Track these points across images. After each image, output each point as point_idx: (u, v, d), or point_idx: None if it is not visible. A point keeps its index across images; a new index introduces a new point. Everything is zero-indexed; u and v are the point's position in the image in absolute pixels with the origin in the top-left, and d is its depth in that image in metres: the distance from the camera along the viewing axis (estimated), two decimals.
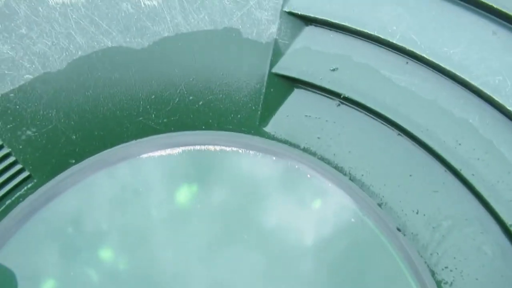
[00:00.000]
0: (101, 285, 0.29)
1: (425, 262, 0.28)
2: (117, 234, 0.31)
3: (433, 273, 0.27)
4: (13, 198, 0.31)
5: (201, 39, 0.33)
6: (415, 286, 0.27)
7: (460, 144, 0.28)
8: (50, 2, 0.32)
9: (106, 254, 0.30)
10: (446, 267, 0.27)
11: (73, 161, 0.33)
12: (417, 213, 0.29)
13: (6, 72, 0.31)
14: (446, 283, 0.27)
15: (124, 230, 0.31)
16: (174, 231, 0.31)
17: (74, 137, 0.33)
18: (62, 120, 0.32)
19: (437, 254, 0.27)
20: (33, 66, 0.31)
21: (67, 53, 0.32)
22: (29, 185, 0.31)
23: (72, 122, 0.32)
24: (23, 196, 0.31)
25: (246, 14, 0.33)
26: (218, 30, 0.33)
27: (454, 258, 0.27)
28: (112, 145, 0.33)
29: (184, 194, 0.33)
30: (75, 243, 0.30)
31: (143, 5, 0.33)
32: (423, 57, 0.30)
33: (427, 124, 0.30)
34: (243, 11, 0.33)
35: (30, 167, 0.31)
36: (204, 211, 0.32)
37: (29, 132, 0.31)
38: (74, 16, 0.32)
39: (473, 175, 0.27)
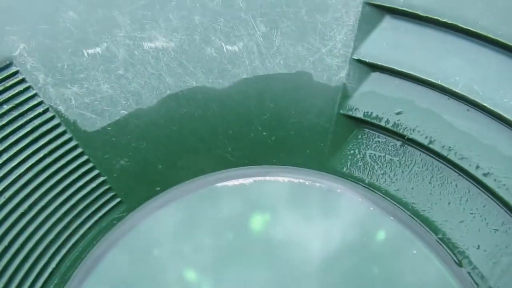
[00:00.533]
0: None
1: None
2: (197, 256, 0.34)
3: None
4: (108, 221, 0.34)
5: (276, 82, 0.36)
6: None
7: None
8: (145, 46, 0.35)
9: (190, 275, 0.33)
10: None
11: (159, 188, 0.36)
12: (478, 248, 0.31)
13: (105, 108, 0.35)
14: None
15: (202, 252, 0.34)
16: (248, 256, 0.34)
17: (160, 167, 0.36)
18: (151, 152, 0.36)
19: (498, 287, 0.30)
20: (128, 103, 0.35)
21: (157, 91, 0.36)
22: (122, 209, 0.35)
23: (159, 154, 0.36)
24: (117, 219, 0.35)
25: (318, 60, 0.36)
26: (292, 73, 0.36)
27: None
28: (194, 175, 0.36)
29: (256, 222, 0.36)
30: (160, 265, 0.33)
31: (225, 50, 0.36)
32: (485, 106, 0.33)
33: (488, 166, 0.32)
34: (315, 57, 0.36)
35: (122, 193, 0.35)
36: (275, 238, 0.35)
37: (122, 162, 0.35)
38: (164, 59, 0.36)
39: None
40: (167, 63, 0.36)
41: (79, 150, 0.34)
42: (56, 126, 0.33)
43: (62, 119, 0.33)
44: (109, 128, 0.35)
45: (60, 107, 0.33)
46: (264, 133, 0.37)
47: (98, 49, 0.34)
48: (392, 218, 0.35)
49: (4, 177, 0.32)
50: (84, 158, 0.34)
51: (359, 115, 0.36)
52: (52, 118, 0.33)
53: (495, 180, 0.32)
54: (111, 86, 0.35)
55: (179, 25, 0.36)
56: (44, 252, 0.32)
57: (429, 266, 0.33)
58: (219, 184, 0.37)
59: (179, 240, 0.34)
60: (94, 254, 0.33)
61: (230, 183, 0.37)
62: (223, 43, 0.36)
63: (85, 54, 0.34)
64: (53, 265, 0.33)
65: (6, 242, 0.32)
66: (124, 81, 0.35)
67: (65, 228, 0.33)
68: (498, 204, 0.32)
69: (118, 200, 0.35)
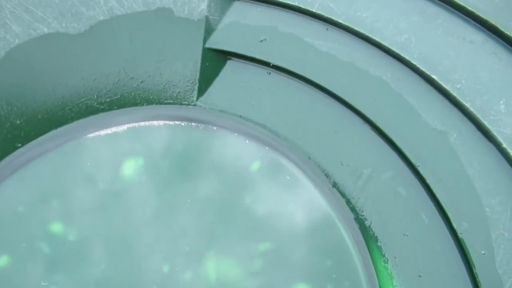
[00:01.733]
0: (53, 257, 0.30)
1: (351, 206, 0.31)
2: (68, 209, 0.32)
3: (357, 215, 0.30)
4: None
5: (135, 21, 0.35)
6: (341, 227, 0.30)
7: (375, 99, 0.31)
8: None
9: (57, 227, 0.32)
10: (367, 209, 0.30)
11: (19, 144, 0.34)
12: (342, 164, 0.31)
13: None
14: (368, 222, 0.29)
15: (76, 205, 0.33)
16: (123, 202, 0.33)
17: (19, 122, 0.34)
18: (5, 107, 0.33)
19: (360, 198, 0.30)
20: None
21: (3, 42, 0.33)
22: None
23: (15, 108, 0.33)
24: None
25: None
26: (151, 10, 0.35)
27: (373, 201, 0.29)
28: (57, 126, 0.34)
29: (130, 168, 0.34)
30: (27, 220, 0.32)
31: None
32: (340, 22, 0.32)
33: (347, 83, 0.32)
34: None
35: None
36: (151, 182, 0.34)
37: None
38: (8, 6, 0.33)
39: (387, 126, 0.30)
40: (11, 10, 0.33)
41: None
42: None
43: None
44: None
45: None
46: (131, 77, 0.35)
47: None
48: (267, 148, 0.34)
49: None
50: None
51: (225, 47, 0.35)
52: None
53: (354, 95, 0.32)
54: None
55: None
56: None
57: (302, 187, 0.33)
58: (90, 135, 0.35)
59: (45, 196, 0.33)
60: None
61: (98, 132, 0.36)
62: None
63: None
64: None
65: None
66: None
67: None
68: (358, 118, 0.32)
69: None
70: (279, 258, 0.30)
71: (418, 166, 0.28)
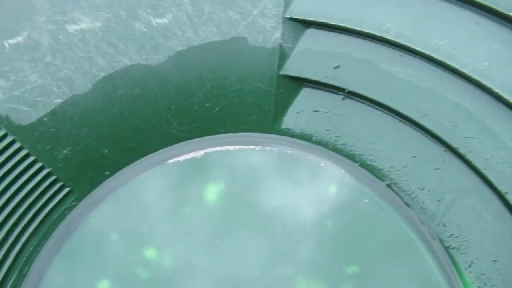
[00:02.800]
0: (151, 281, 0.32)
1: (434, 232, 0.31)
2: (159, 234, 0.34)
3: (441, 241, 0.31)
4: (59, 213, 0.34)
5: (212, 50, 0.36)
6: (427, 253, 0.31)
7: (456, 126, 0.32)
8: (69, 29, 0.34)
9: (151, 253, 0.33)
10: (452, 235, 0.30)
11: (108, 173, 0.35)
12: (422, 189, 0.32)
13: (37, 99, 0.33)
14: (453, 248, 0.30)
15: (161, 229, 0.34)
16: (210, 227, 0.34)
17: (106, 151, 0.35)
18: (93, 137, 0.35)
19: (443, 224, 0.31)
20: (61, 90, 0.34)
21: (90, 75, 0.34)
22: (72, 199, 0.34)
23: (103, 138, 0.35)
24: (68, 209, 0.34)
25: (251, 23, 0.36)
26: (227, 40, 0.36)
27: (458, 225, 0.30)
28: (143, 155, 0.36)
29: (211, 193, 0.36)
30: (121, 245, 0.33)
31: (154, 24, 0.35)
32: (416, 49, 0.33)
33: (425, 109, 0.33)
34: (248, 21, 0.36)
35: (70, 183, 0.34)
36: (234, 206, 0.35)
37: (65, 151, 0.34)
38: (92, 41, 0.34)
39: (469, 152, 0.31)
40: (95, 44, 0.34)
41: (17, 145, 0.33)
42: None
43: None
44: (46, 119, 0.33)
45: None
46: (208, 104, 0.36)
47: (19, 38, 0.32)
48: (342, 171, 0.35)
49: None
50: (24, 152, 0.33)
51: (299, 74, 0.36)
52: None
53: (433, 121, 0.33)
54: (39, 75, 0.33)
55: (101, 2, 0.34)
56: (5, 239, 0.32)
57: (380, 212, 0.34)
58: (171, 161, 0.37)
59: (136, 221, 0.34)
60: (47, 247, 0.33)
61: (181, 158, 0.37)
62: (151, 17, 0.35)
63: (6, 45, 0.32)
64: (8, 262, 0.32)
65: None
66: (53, 68, 0.34)
67: (15, 224, 0.33)
68: (438, 144, 0.33)
69: (67, 190, 0.34)
70: (366, 282, 0.31)
71: (505, 193, 0.29)
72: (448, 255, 0.31)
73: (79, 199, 0.34)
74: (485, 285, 0.28)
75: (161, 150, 0.36)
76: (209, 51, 0.36)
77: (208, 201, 0.35)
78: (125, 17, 0.34)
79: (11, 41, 0.32)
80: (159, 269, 0.32)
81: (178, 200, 0.35)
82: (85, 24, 0.34)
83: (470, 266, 0.30)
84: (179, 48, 0.35)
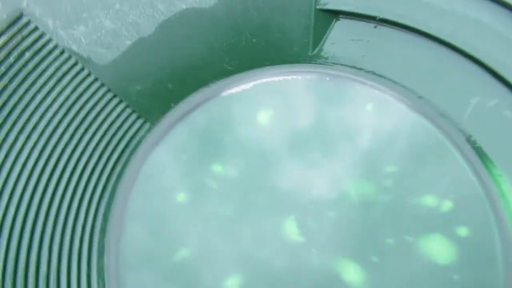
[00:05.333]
0: (219, 190, 0.38)
1: (463, 133, 0.36)
2: (221, 152, 0.39)
3: (469, 140, 0.36)
4: (137, 140, 0.39)
5: None
6: (457, 154, 0.36)
7: (479, 39, 0.36)
8: None
9: (217, 167, 0.39)
10: (478, 134, 0.35)
11: (173, 104, 0.41)
12: (450, 99, 0.37)
13: (111, 41, 0.38)
14: (480, 146, 0.35)
15: (224, 148, 0.40)
16: (261, 146, 0.40)
17: (170, 86, 0.40)
18: (159, 74, 0.40)
19: (470, 125, 0.36)
20: (130, 33, 0.39)
21: (152, 19, 0.39)
22: (146, 128, 0.40)
23: (166, 74, 0.40)
24: (143, 138, 0.40)
25: None
26: None
27: (484, 125, 0.35)
28: (199, 88, 0.41)
29: (265, 118, 0.41)
30: (191, 164, 0.39)
31: None
32: None
33: (450, 27, 0.37)
34: None
35: (144, 113, 0.40)
36: (285, 128, 0.40)
37: (138, 87, 0.39)
38: None
39: (491, 60, 0.35)
40: None
41: (98, 83, 0.38)
42: (74, 64, 0.37)
43: (78, 57, 0.37)
44: (119, 59, 0.39)
45: (73, 47, 0.37)
46: (254, 40, 0.41)
47: None
48: (377, 91, 0.40)
49: (41, 117, 0.37)
50: (105, 89, 0.38)
51: (334, 6, 0.40)
52: (68, 58, 0.37)
53: (458, 38, 0.37)
54: (112, 21, 0.38)
55: None
56: (93, 170, 0.38)
57: (415, 122, 0.38)
58: (224, 93, 0.42)
59: (203, 144, 0.40)
60: (129, 172, 0.39)
61: (233, 90, 0.42)
62: None
63: None
64: (101, 185, 0.38)
65: (58, 172, 0.37)
66: (122, 14, 0.38)
67: (102, 153, 0.39)
68: (462, 57, 0.37)
69: (142, 120, 0.40)
70: (404, 179, 0.36)
71: None
72: (476, 153, 0.35)
73: (151, 129, 0.40)
74: (507, 171, 0.33)
75: (217, 83, 0.41)
76: None
77: (261, 124, 0.40)
78: None
79: None
80: (227, 180, 0.38)
81: (235, 124, 0.40)
82: None
83: (497, 160, 0.35)
84: None
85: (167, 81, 0.40)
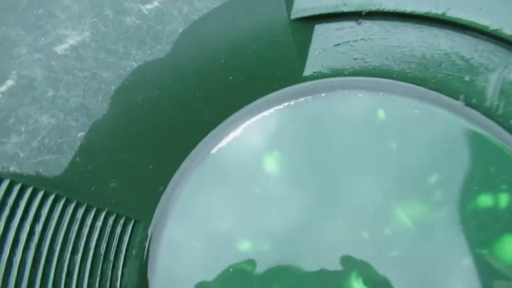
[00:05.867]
0: (257, 270, 0.31)
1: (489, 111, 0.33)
2: (243, 223, 0.32)
3: (495, 114, 0.32)
4: (136, 247, 0.31)
5: (215, 19, 0.32)
6: (485, 133, 0.32)
7: (481, 9, 0.32)
8: (59, 51, 0.28)
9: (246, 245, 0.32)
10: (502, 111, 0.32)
11: (161, 187, 0.32)
12: (466, 79, 0.33)
13: (59, 140, 0.28)
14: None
15: (245, 218, 0.33)
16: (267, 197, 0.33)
17: (151, 166, 0.32)
18: (133, 156, 0.31)
19: (497, 99, 0.32)
20: (79, 121, 0.29)
21: (101, 93, 0.30)
22: (141, 228, 0.31)
23: (143, 153, 0.31)
24: (145, 239, 0.31)
25: None
26: (227, 3, 0.32)
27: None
28: (185, 153, 0.33)
29: (270, 164, 0.34)
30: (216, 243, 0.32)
31: (146, 12, 0.30)
32: None
33: (446, 5, 0.33)
34: None
35: (131, 212, 0.31)
36: (295, 171, 0.34)
37: (112, 184, 0.30)
38: (88, 55, 0.29)
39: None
40: (93, 57, 0.29)
41: (63, 200, 0.28)
42: (21, 189, 0.27)
43: (23, 178, 0.27)
44: (78, 159, 0.29)
45: (12, 168, 0.27)
46: (230, 77, 0.33)
47: (10, 82, 0.27)
48: (381, 93, 0.35)
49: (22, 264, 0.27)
50: (73, 204, 0.29)
51: (310, 12, 0.33)
52: (11, 185, 0.27)
53: (460, 12, 0.33)
54: (49, 114, 0.28)
55: (81, 8, 0.29)
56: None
57: (434, 112, 0.34)
58: (214, 150, 0.34)
59: (219, 221, 0.32)
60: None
61: (223, 143, 0.34)
62: (140, 5, 0.30)
63: None
64: None
65: None
66: (61, 101, 0.29)
67: (96, 278, 0.30)
68: (466, 34, 0.33)
69: (133, 221, 0.31)
70: (450, 183, 0.32)
71: None
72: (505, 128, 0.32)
73: (147, 225, 0.31)
74: None
75: (203, 142, 0.34)
76: (213, 21, 0.32)
77: (271, 172, 0.34)
78: (113, 16, 0.30)
79: (2, 89, 0.27)
80: (260, 257, 0.31)
81: (241, 184, 0.33)
82: (73, 39, 0.29)
83: None
84: (180, 29, 0.31)
85: (146, 162, 0.31)
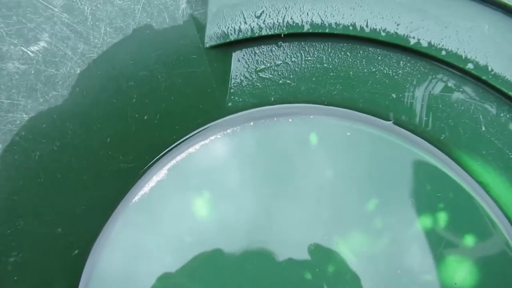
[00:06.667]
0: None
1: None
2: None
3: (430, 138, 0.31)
4: None
5: (117, 54, 0.28)
6: (420, 154, 0.31)
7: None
8: None
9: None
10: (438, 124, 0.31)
11: (76, 251, 0.28)
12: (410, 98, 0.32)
13: None
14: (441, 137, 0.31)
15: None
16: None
17: (60, 229, 0.27)
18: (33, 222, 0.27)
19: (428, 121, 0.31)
20: None
21: None
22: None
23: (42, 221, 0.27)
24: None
25: (147, 3, 0.29)
26: (129, 35, 0.28)
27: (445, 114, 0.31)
28: (104, 217, 0.29)
29: (200, 207, 0.31)
30: None
31: (32, 54, 0.26)
32: None
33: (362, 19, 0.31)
34: (142, 3, 0.28)
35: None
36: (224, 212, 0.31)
37: (11, 259, 0.26)
38: None
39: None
40: None
41: None
42: None
43: None
44: None
45: None
46: (145, 117, 0.30)
47: None
48: (312, 116, 0.33)
49: None
50: None
51: (225, 39, 0.31)
52: None
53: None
54: None
55: None
56: None
57: (367, 135, 0.33)
58: (136, 199, 0.30)
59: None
60: None
61: (144, 191, 0.31)
62: (23, 47, 0.26)
63: None
64: None
65: None
66: None
67: None
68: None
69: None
70: (388, 207, 0.31)
71: None
72: (443, 149, 0.31)
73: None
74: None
75: (126, 195, 0.30)
76: (115, 57, 0.28)
77: (200, 216, 0.31)
78: None
79: None
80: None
81: (169, 229, 0.30)
82: None
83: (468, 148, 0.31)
84: (78, 70, 0.27)
85: (52, 226, 0.27)
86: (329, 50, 0.32)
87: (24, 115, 0.26)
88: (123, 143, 0.29)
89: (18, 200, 0.26)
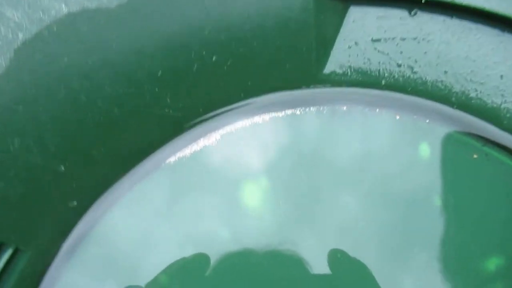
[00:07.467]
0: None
1: None
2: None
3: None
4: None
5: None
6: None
7: None
8: None
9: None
10: None
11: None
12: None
13: None
14: None
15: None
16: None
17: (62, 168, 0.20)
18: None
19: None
20: None
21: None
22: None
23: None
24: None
25: None
26: None
27: None
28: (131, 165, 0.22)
29: (250, 194, 0.23)
30: None
31: None
32: None
33: None
34: None
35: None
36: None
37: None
38: None
39: None
40: None
41: None
42: None
43: None
44: None
45: None
46: (214, 58, 0.22)
47: None
48: (427, 120, 0.24)
49: None
50: None
51: None
52: None
53: None
54: None
55: None
56: None
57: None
58: (171, 160, 0.23)
59: None
60: None
61: (187, 151, 0.23)
62: None
63: None
64: None
65: None
66: None
67: None
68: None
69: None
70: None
71: None
72: None
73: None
74: None
75: (158, 151, 0.22)
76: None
77: (251, 208, 0.23)
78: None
79: None
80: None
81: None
82: None
83: None
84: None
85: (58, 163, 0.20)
86: (479, 36, 0.23)
87: (66, 60, 0.19)
88: (176, 85, 0.22)
89: (20, 110, 0.19)
